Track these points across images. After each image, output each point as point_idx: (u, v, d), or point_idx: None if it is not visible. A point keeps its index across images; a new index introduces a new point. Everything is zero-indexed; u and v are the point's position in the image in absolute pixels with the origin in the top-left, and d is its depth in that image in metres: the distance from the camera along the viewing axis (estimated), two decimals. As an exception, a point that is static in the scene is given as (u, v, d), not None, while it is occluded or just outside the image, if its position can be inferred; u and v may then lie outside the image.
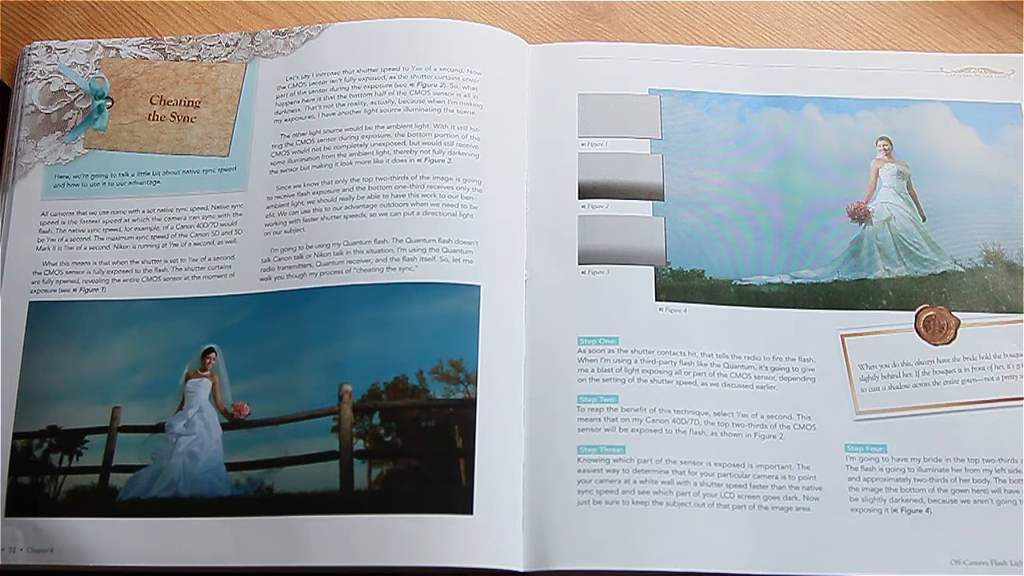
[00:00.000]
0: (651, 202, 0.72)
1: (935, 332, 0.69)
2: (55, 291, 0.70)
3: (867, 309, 0.70)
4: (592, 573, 0.63)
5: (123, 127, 0.75)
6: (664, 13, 0.80)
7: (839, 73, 0.76)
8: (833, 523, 0.64)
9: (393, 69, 0.74)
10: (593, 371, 0.67)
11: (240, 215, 0.72)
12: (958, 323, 0.69)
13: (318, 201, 0.71)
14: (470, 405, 0.66)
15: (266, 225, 0.71)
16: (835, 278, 0.71)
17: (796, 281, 0.70)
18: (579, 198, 0.72)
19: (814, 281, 0.71)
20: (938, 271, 0.71)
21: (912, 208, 0.73)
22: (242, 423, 0.67)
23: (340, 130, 0.72)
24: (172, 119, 0.75)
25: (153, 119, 0.75)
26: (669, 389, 0.67)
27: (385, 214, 0.70)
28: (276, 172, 0.72)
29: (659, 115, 0.74)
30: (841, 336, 0.69)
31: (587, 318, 0.69)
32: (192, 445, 0.67)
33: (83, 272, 0.71)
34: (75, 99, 0.76)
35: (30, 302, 0.70)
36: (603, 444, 0.66)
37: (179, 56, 0.77)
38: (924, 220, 0.73)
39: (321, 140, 0.73)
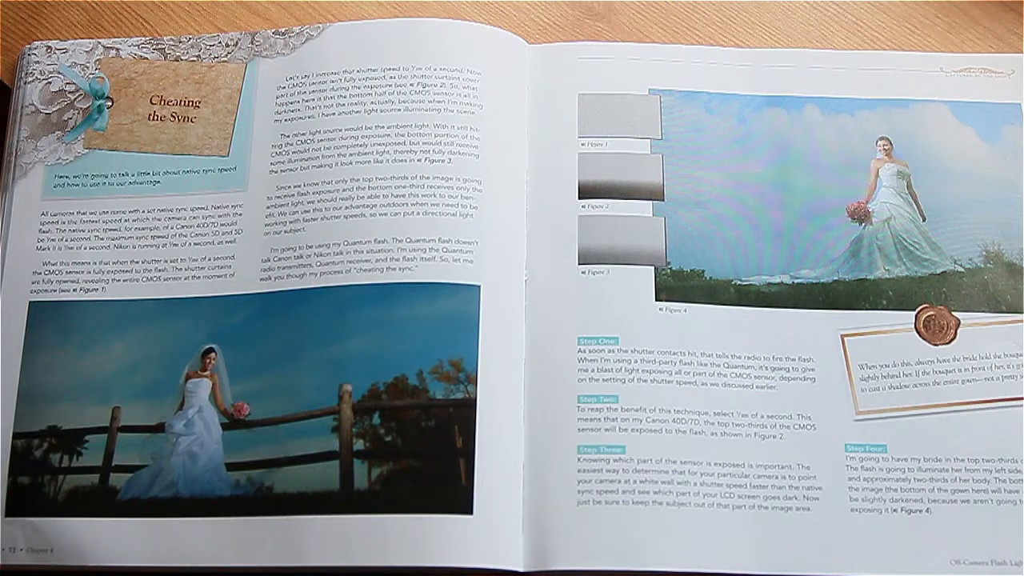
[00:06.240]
0: (651, 202, 0.72)
1: (935, 332, 0.69)
2: (55, 291, 0.70)
3: (867, 309, 0.70)
4: (592, 573, 0.63)
5: (123, 127, 0.75)
6: (664, 13, 0.79)
7: (839, 73, 0.76)
8: (833, 523, 0.64)
9: (393, 69, 0.74)
10: (593, 371, 0.67)
11: (240, 215, 0.72)
12: (958, 323, 0.69)
13: (318, 201, 0.71)
14: (470, 405, 0.66)
15: (266, 225, 0.71)
16: (835, 278, 0.71)
17: (796, 281, 0.70)
18: (579, 198, 0.72)
19: (814, 281, 0.71)
20: (938, 271, 0.71)
21: (912, 208, 0.73)
22: (242, 423, 0.67)
23: (340, 130, 0.72)
24: (172, 119, 0.75)
25: (153, 119, 0.75)
26: (669, 389, 0.67)
27: (385, 214, 0.70)
28: (276, 172, 0.72)
29: (659, 115, 0.74)
30: (841, 336, 0.69)
31: (587, 318, 0.69)
32: (192, 445, 0.67)
33: (83, 272, 0.71)
34: (75, 99, 0.76)
35: (30, 302, 0.70)
36: (603, 444, 0.65)
37: (179, 56, 0.77)
38: (924, 220, 0.73)
39: (321, 140, 0.73)
